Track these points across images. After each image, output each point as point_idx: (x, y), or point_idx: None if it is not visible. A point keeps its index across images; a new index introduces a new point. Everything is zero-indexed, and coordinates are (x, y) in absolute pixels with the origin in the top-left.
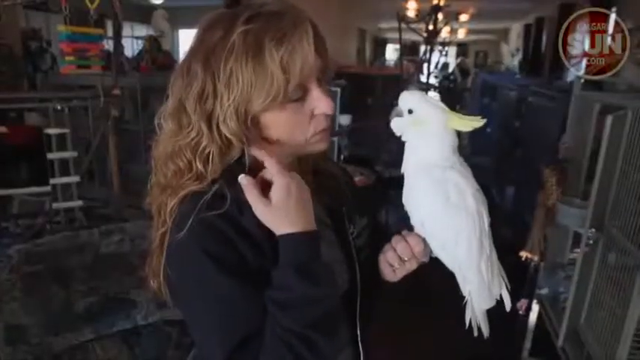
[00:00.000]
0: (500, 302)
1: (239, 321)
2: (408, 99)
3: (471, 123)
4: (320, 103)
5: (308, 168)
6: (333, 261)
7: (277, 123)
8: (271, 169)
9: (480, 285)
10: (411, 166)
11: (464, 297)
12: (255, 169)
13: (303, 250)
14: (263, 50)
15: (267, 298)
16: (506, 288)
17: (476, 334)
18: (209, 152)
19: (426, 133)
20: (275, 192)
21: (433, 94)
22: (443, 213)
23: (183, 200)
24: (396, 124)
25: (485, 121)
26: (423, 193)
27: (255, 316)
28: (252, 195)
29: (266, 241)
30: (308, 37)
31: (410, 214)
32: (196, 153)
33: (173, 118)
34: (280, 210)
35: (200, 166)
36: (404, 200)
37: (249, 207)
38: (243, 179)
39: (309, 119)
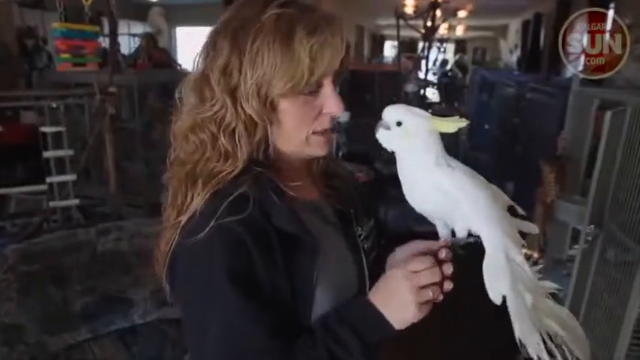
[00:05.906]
0: None
1: (241, 340)
2: (395, 112)
3: (455, 124)
4: (330, 102)
5: (319, 169)
6: (341, 263)
7: (290, 112)
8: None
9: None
10: (409, 171)
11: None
12: (277, 165)
13: (379, 334)
14: (293, 36)
15: (322, 342)
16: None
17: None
18: (234, 128)
19: (417, 142)
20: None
21: (432, 91)
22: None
23: (207, 197)
24: (384, 137)
25: (468, 122)
26: (431, 194)
27: (258, 336)
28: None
29: (291, 239)
30: (342, 35)
31: (422, 211)
32: (221, 127)
33: (195, 90)
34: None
35: (225, 142)
36: (411, 201)
37: (276, 207)
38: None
39: (315, 115)
